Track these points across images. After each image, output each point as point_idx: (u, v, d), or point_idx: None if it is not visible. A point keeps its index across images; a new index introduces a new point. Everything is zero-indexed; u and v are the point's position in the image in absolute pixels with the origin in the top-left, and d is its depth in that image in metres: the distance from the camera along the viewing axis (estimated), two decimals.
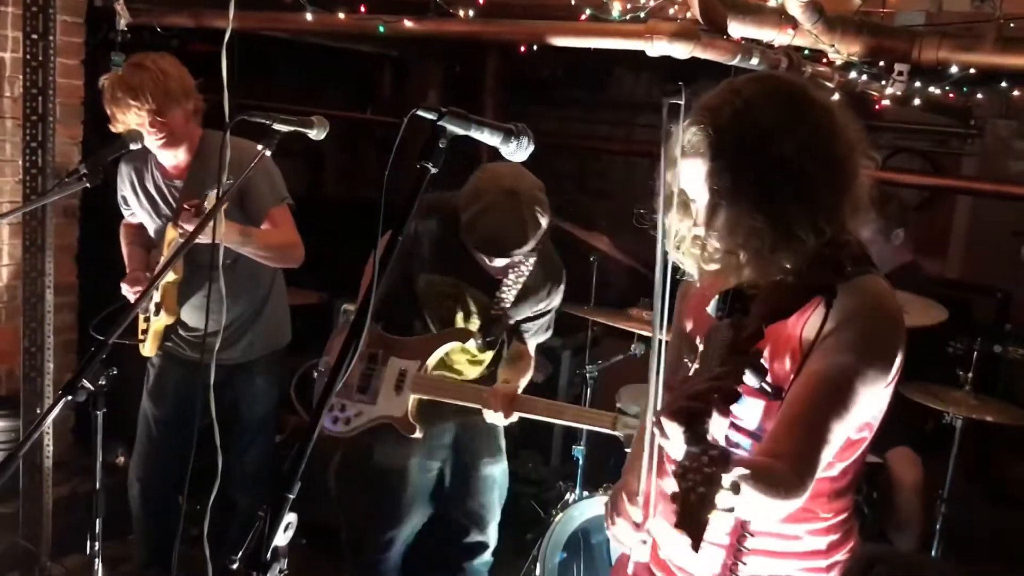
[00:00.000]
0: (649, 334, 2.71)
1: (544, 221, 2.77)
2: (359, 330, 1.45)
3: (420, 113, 1.52)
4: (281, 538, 1.38)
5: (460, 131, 1.55)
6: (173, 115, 2.98)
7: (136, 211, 3.33)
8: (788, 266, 1.58)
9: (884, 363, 1.57)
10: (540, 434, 4.73)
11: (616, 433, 2.77)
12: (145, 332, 3.29)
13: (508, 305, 3.01)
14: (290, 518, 1.39)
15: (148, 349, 3.31)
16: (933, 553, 3.41)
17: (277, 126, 2.40)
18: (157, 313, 3.21)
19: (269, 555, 1.36)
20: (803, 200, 1.55)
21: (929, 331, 3.05)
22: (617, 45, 2.85)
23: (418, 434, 2.99)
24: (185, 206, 2.84)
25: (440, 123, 1.52)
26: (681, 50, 2.80)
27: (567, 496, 3.94)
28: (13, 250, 3.98)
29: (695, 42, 2.79)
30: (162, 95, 2.92)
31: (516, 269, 2.96)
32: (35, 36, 3.50)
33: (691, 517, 1.23)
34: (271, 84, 5.93)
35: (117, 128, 2.94)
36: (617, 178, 6.71)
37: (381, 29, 3.20)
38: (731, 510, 1.28)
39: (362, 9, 3.21)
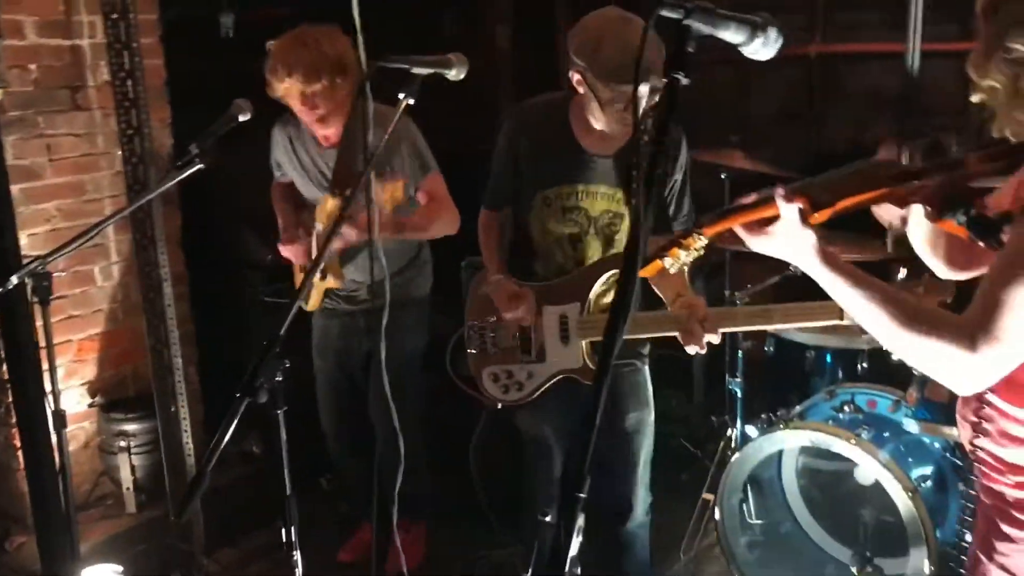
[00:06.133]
0: None
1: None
2: (623, 313, 1.18)
3: (663, 13, 1.24)
4: (574, 546, 1.17)
5: (706, 30, 1.27)
6: (332, 96, 2.86)
7: (290, 174, 3.26)
8: None
9: None
10: (679, 370, 4.47)
11: (846, 322, 2.27)
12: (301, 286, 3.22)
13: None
14: (579, 521, 1.17)
15: (311, 304, 3.29)
16: None
17: (416, 70, 2.16)
18: (324, 277, 3.17)
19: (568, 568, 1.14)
20: None
21: None
22: None
23: None
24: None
25: (686, 22, 1.24)
26: None
27: (729, 433, 3.70)
28: (120, 246, 3.82)
29: None
30: (320, 77, 2.81)
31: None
32: (115, 16, 3.26)
33: None
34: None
35: (271, 94, 2.88)
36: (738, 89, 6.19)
37: None
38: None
39: None
